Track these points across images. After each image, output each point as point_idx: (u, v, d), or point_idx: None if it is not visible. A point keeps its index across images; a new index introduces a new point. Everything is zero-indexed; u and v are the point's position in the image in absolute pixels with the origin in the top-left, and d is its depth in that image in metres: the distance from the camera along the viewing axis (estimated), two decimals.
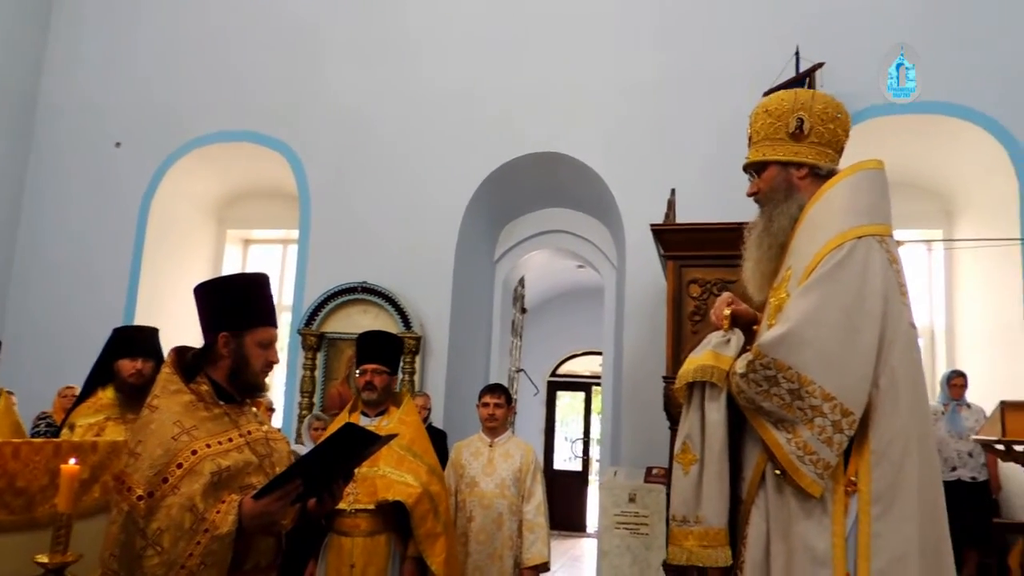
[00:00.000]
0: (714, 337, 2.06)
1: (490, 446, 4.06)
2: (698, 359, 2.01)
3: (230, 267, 8.28)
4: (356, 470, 2.47)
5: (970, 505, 5.67)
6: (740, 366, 1.91)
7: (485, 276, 7.71)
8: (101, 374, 3.29)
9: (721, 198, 5.26)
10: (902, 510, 1.76)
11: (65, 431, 3.19)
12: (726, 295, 2.13)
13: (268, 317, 2.14)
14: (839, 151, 2.07)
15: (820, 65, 5.72)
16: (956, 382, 5.98)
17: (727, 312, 2.07)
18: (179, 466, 1.87)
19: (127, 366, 3.21)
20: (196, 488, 1.86)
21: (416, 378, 6.49)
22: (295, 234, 7.29)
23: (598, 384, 10.53)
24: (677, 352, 4.13)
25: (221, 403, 2.06)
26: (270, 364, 2.13)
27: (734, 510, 1.98)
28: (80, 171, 7.57)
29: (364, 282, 6.66)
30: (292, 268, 7.31)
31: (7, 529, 2.16)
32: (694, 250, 4.24)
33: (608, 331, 7.30)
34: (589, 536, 10.95)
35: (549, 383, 12.43)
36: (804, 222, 1.99)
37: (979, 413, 5.82)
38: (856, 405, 1.79)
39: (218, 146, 7.38)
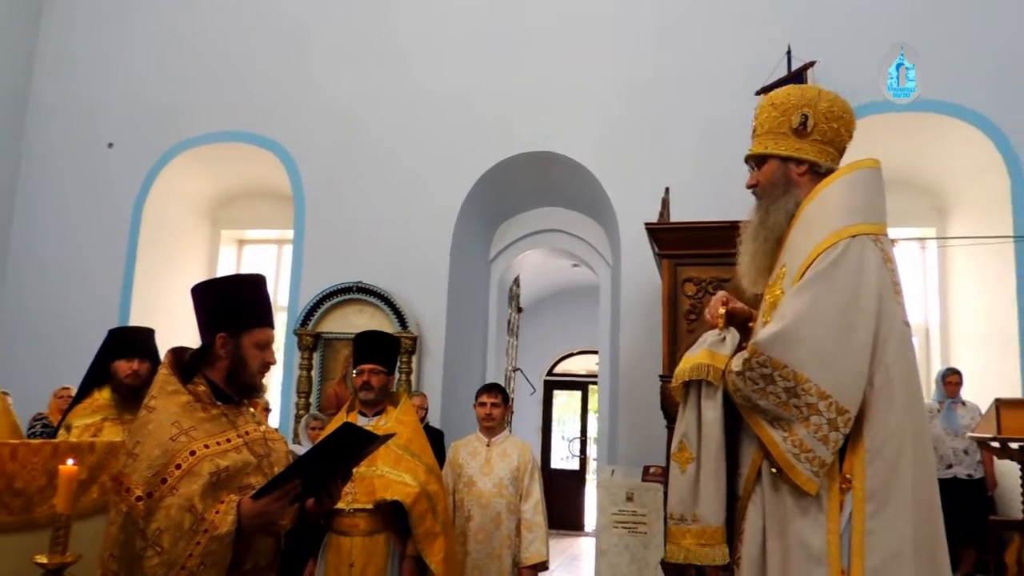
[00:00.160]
0: (710, 336, 2.07)
1: (487, 446, 4.07)
2: (694, 358, 2.02)
3: (225, 267, 8.27)
4: (354, 470, 2.48)
5: (966, 503, 5.69)
6: (736, 364, 1.91)
7: (480, 275, 7.72)
8: (97, 375, 3.29)
9: (715, 196, 5.28)
10: (896, 508, 1.76)
11: (62, 432, 3.18)
12: (721, 294, 2.14)
13: (265, 318, 2.15)
14: (841, 151, 2.08)
15: (812, 64, 5.75)
16: (951, 380, 5.99)
17: (722, 311, 2.08)
18: (177, 467, 1.88)
19: (123, 367, 3.21)
20: (195, 489, 1.86)
21: (413, 378, 6.50)
22: (290, 234, 7.29)
23: (595, 383, 10.56)
24: (673, 351, 4.14)
25: (219, 404, 2.07)
26: (267, 365, 2.13)
27: (731, 506, 1.98)
28: (73, 172, 7.54)
29: (359, 282, 6.66)
30: (287, 268, 7.31)
31: (6, 530, 2.16)
32: (689, 249, 4.24)
33: (604, 330, 7.31)
34: (587, 535, 10.97)
35: (545, 382, 12.44)
36: (800, 219, 1.99)
37: (974, 411, 5.85)
38: (851, 403, 1.79)
39: (211, 146, 7.37)
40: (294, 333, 6.76)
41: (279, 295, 7.46)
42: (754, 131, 2.13)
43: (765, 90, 6.05)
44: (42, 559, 1.87)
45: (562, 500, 11.07)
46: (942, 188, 6.82)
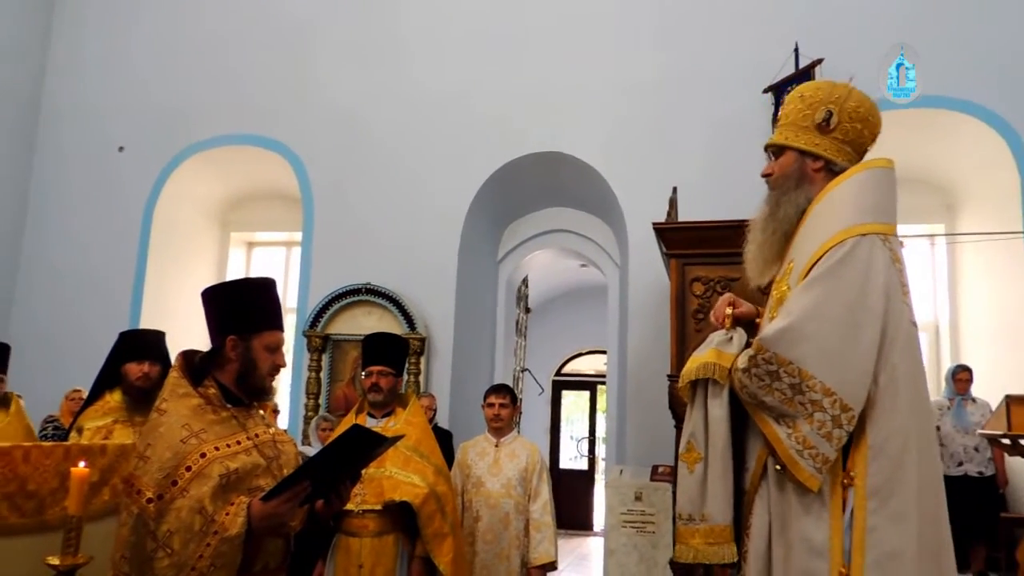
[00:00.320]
0: (717, 335, 2.07)
1: (496, 446, 4.08)
2: (701, 357, 2.03)
3: (234, 270, 8.31)
4: (363, 471, 2.49)
5: (977, 500, 5.67)
6: (742, 361, 1.92)
7: (488, 276, 7.72)
8: (108, 377, 3.31)
9: (723, 196, 5.27)
10: (899, 506, 1.75)
11: (73, 434, 3.21)
12: (727, 295, 2.14)
13: (275, 321, 2.16)
14: (861, 153, 2.06)
15: (819, 61, 5.73)
16: (961, 376, 5.96)
17: (729, 311, 2.08)
18: (188, 469, 1.89)
19: (134, 370, 3.23)
20: (205, 491, 1.87)
21: (421, 379, 6.51)
22: (299, 236, 7.31)
23: (603, 383, 10.54)
24: (681, 350, 4.13)
25: (229, 406, 2.08)
26: (277, 367, 2.15)
27: (739, 501, 1.99)
28: (84, 175, 7.59)
29: (368, 284, 6.68)
30: (296, 270, 7.33)
31: (19, 532, 2.19)
32: (696, 248, 4.23)
33: (612, 330, 7.30)
34: (596, 535, 10.96)
35: (554, 382, 12.43)
36: (810, 216, 1.99)
37: (985, 407, 5.81)
38: (856, 401, 1.79)
39: (220, 149, 7.41)
40: (303, 335, 6.78)
41: (288, 297, 7.49)
42: (778, 120, 2.12)
43: (773, 88, 6.04)
44: (54, 560, 1.89)
45: (571, 500, 11.07)
46: (951, 184, 6.78)
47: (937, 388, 6.46)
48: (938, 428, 5.89)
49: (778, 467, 1.87)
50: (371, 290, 6.66)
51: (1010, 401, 4.41)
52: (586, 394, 12.70)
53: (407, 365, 5.81)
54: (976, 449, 5.85)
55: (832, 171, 2.02)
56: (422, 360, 6.52)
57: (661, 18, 6.64)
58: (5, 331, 7.09)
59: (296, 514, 2.03)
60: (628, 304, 6.43)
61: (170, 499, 1.84)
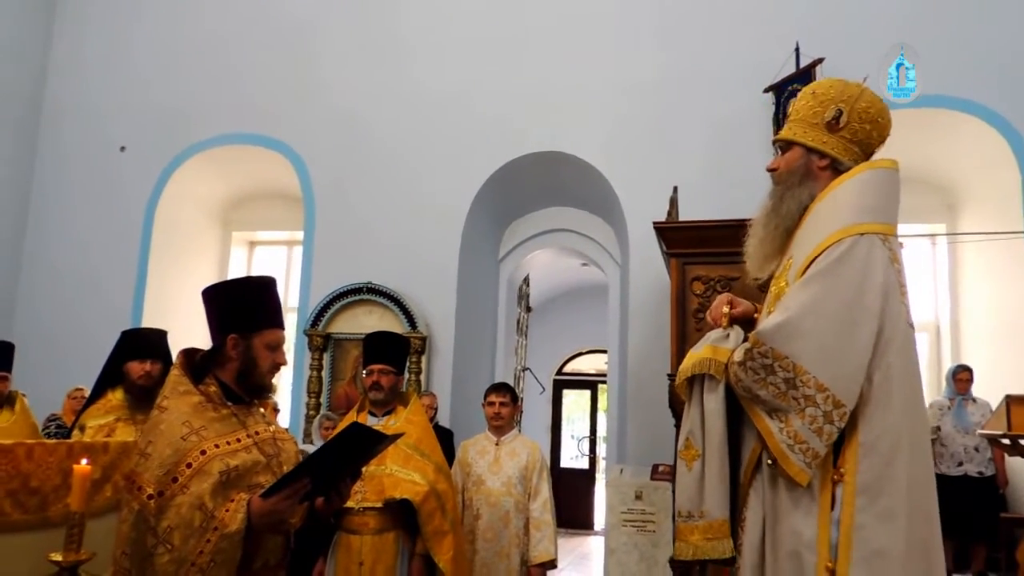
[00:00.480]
0: (713, 332, 2.08)
1: (496, 445, 4.09)
2: (697, 354, 2.04)
3: (236, 269, 8.32)
4: (364, 469, 2.50)
5: (977, 500, 5.66)
6: (738, 354, 1.93)
7: (489, 275, 7.73)
8: (111, 376, 3.32)
9: (723, 195, 5.28)
10: (888, 504, 1.75)
11: (76, 432, 3.22)
12: (724, 295, 2.15)
13: (275, 319, 2.17)
14: (868, 154, 2.07)
15: (820, 61, 5.74)
16: (962, 376, 5.96)
17: (726, 311, 2.09)
18: (188, 466, 1.90)
19: (136, 368, 3.24)
20: (205, 487, 1.88)
21: (422, 378, 6.52)
22: (300, 236, 7.33)
23: (604, 382, 10.55)
24: (681, 349, 4.14)
25: (229, 404, 2.09)
26: (278, 366, 2.16)
27: (735, 495, 1.99)
28: (85, 175, 7.61)
29: (369, 283, 6.70)
30: (297, 269, 7.34)
31: (22, 528, 2.20)
32: (697, 247, 4.24)
33: (613, 329, 7.31)
34: (596, 534, 10.97)
35: (555, 381, 12.44)
36: (811, 214, 2.00)
37: (985, 407, 5.80)
38: (848, 397, 1.80)
39: (221, 149, 7.42)
40: (304, 334, 6.80)
41: (289, 296, 7.51)
42: (789, 116, 2.13)
43: (773, 88, 6.05)
44: (57, 556, 1.91)
45: (572, 499, 11.07)
46: (952, 184, 6.78)
47: (937, 388, 6.47)
48: (938, 428, 5.90)
49: (769, 461, 1.88)
50: (372, 289, 6.67)
51: (1010, 401, 4.41)
52: (587, 393, 12.71)
53: (408, 364, 5.82)
54: (976, 449, 5.84)
55: (837, 170, 2.02)
56: (423, 359, 6.54)
57: (661, 18, 6.65)
58: (8, 330, 7.11)
59: (296, 511, 2.04)
60: (629, 303, 6.44)
61: (171, 496, 1.86)
